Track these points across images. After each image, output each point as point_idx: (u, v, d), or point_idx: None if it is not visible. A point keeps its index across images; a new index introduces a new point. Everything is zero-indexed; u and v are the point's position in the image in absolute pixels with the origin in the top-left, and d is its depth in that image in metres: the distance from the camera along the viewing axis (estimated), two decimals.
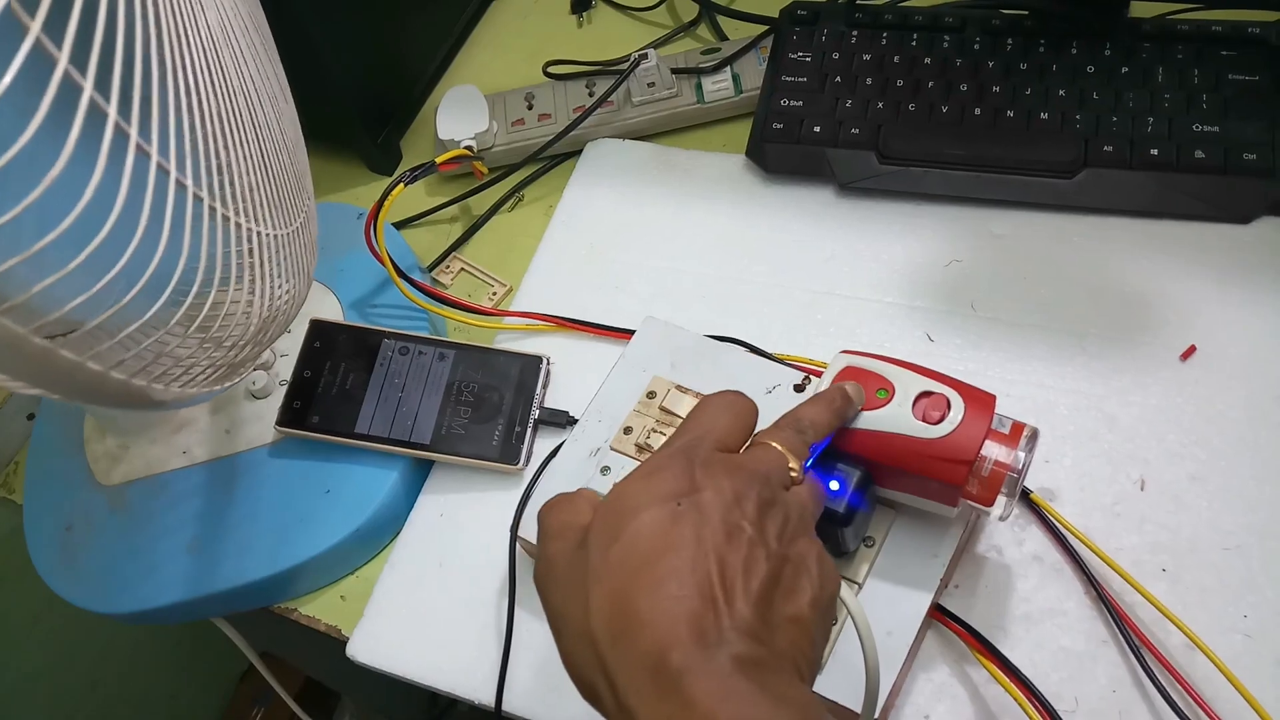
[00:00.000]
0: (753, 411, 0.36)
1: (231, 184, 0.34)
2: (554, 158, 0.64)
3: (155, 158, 0.29)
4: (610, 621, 0.29)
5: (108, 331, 0.30)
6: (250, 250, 0.37)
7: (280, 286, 0.41)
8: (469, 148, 0.61)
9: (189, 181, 0.31)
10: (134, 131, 0.28)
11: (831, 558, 0.33)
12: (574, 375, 0.53)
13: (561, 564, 0.32)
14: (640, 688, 0.28)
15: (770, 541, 0.31)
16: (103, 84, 0.26)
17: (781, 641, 0.29)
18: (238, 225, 0.35)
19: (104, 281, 0.28)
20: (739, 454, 0.34)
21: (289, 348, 0.54)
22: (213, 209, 0.33)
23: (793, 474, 0.34)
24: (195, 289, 0.33)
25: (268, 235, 0.38)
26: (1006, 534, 0.45)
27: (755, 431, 0.36)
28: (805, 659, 0.30)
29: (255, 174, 0.37)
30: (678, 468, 0.32)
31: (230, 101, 0.35)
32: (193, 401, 0.39)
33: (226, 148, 0.34)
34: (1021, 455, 0.38)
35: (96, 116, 0.26)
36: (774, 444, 0.34)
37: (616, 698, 0.28)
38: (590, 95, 0.63)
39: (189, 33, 0.31)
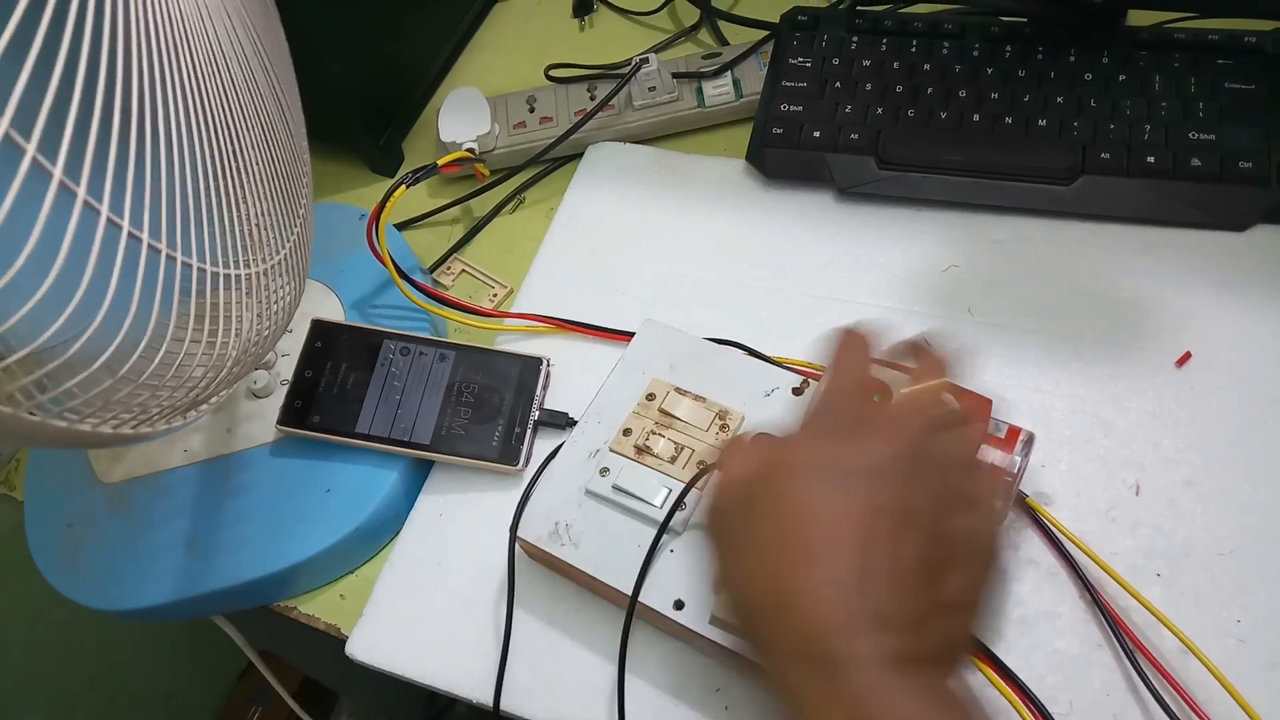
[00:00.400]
0: (865, 343, 0.35)
1: (195, 226, 0.33)
2: (555, 160, 0.64)
3: (105, 214, 0.28)
4: (764, 594, 0.29)
5: (50, 382, 0.29)
6: (213, 292, 0.35)
7: (256, 324, 0.39)
8: (471, 150, 0.61)
9: (144, 233, 0.30)
10: (82, 190, 0.27)
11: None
12: (574, 377, 0.53)
13: (725, 517, 0.32)
14: (796, 666, 0.27)
15: (919, 514, 0.29)
16: (52, 137, 0.25)
17: (939, 630, 0.29)
18: (200, 271, 0.34)
19: (40, 341, 0.27)
20: (885, 404, 0.33)
21: (290, 347, 0.55)
22: (171, 258, 0.32)
23: (948, 411, 0.32)
24: (146, 339, 0.32)
25: (241, 275, 0.37)
26: (1002, 538, 0.45)
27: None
28: (964, 645, 0.30)
29: (228, 214, 0.35)
30: (824, 433, 0.31)
31: (209, 140, 0.33)
32: (163, 433, 0.37)
33: (196, 191, 0.33)
34: (1017, 459, 0.39)
35: (40, 173, 0.25)
36: (918, 388, 0.33)
37: (775, 668, 0.28)
38: (592, 98, 0.63)
39: (165, 70, 0.30)
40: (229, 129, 0.36)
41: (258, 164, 0.38)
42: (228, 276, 0.36)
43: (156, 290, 0.31)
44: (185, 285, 0.33)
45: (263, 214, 0.39)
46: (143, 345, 0.31)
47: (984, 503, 0.32)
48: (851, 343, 0.36)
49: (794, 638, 0.28)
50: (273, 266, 0.41)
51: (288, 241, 0.42)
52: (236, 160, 0.36)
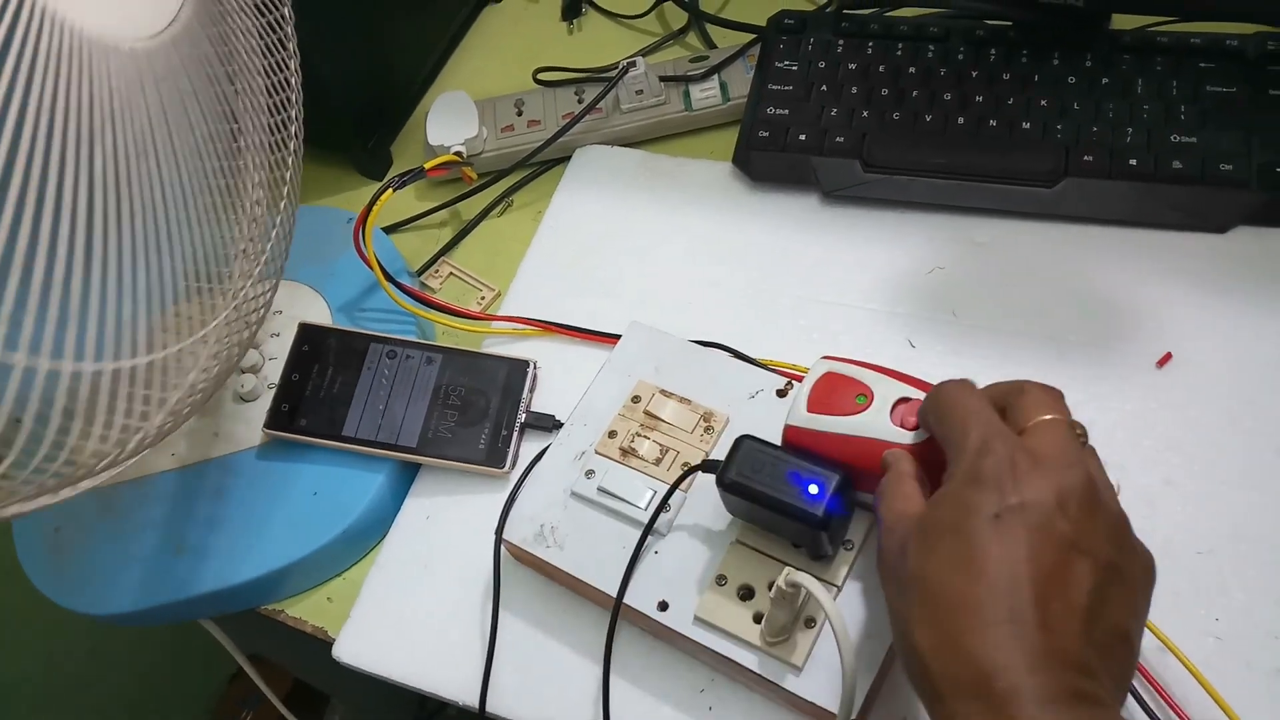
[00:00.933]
0: (972, 383, 0.36)
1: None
2: (543, 164, 0.64)
3: None
4: (932, 640, 0.29)
5: None
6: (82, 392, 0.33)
7: (150, 416, 0.39)
8: (459, 153, 0.62)
9: None
10: None
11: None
12: (560, 379, 0.54)
13: (891, 562, 0.33)
14: (969, 704, 0.28)
15: (1099, 545, 0.30)
16: None
17: (1108, 664, 0.29)
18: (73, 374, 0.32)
19: None
20: (1033, 439, 0.32)
21: (278, 351, 0.55)
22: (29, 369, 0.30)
23: (1080, 434, 0.33)
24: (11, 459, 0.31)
25: (119, 370, 0.35)
26: None
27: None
28: (1129, 676, 0.30)
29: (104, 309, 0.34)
30: (990, 473, 0.31)
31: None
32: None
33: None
34: None
35: None
36: (1051, 415, 0.33)
37: (947, 706, 0.28)
38: (579, 102, 0.64)
39: None
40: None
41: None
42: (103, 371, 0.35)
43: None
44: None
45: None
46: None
47: (1133, 532, 0.32)
48: (964, 388, 0.36)
49: (969, 676, 0.28)
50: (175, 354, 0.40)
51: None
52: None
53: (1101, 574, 0.30)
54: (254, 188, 0.48)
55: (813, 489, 0.39)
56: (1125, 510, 0.33)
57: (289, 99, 0.48)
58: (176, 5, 0.38)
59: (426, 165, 0.57)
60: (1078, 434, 0.33)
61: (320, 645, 0.51)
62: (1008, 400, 0.35)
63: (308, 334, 0.54)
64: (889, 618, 0.33)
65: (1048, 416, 0.33)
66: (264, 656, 0.78)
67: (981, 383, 0.42)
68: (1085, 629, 0.28)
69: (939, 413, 0.36)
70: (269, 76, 0.46)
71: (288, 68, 0.48)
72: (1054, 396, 0.34)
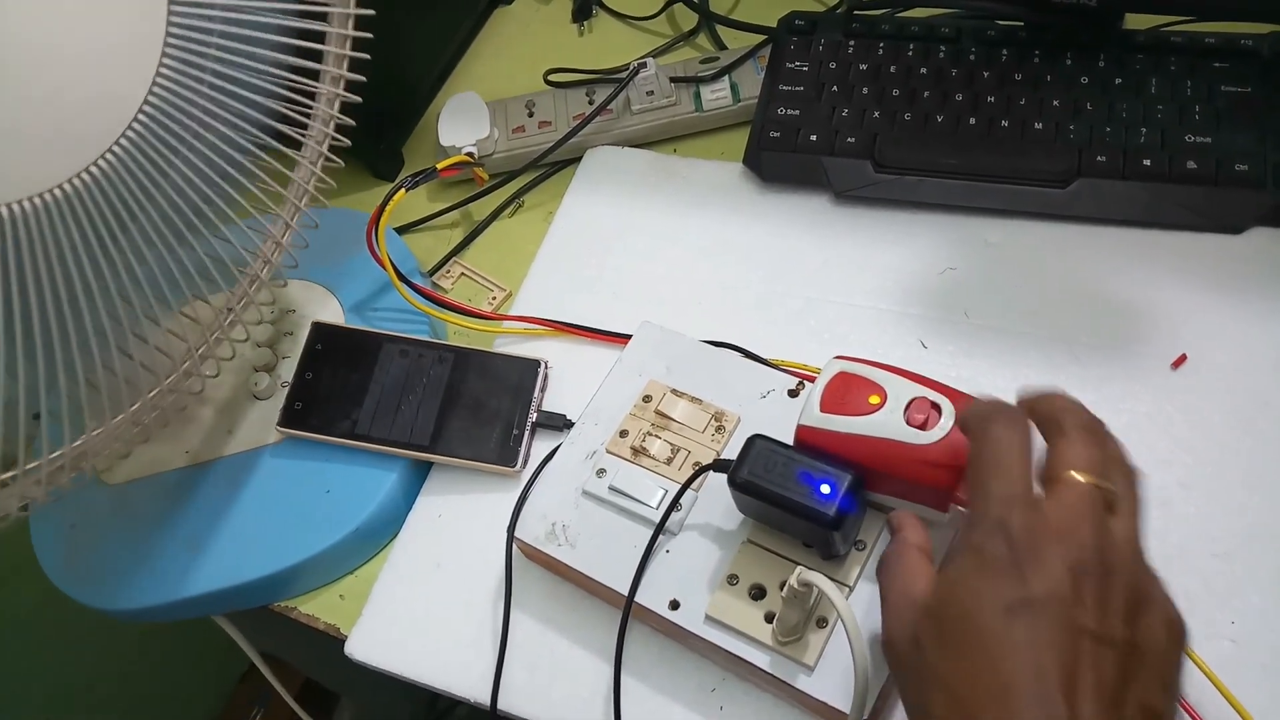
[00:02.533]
0: (1024, 421, 0.33)
1: None
2: (554, 165, 0.65)
3: None
4: None
5: None
6: None
7: None
8: (470, 154, 0.62)
9: None
10: None
11: (1172, 613, 0.30)
12: (571, 379, 0.54)
13: (900, 648, 0.32)
14: None
15: (1116, 629, 0.29)
16: None
17: None
18: None
19: None
20: (1054, 503, 0.31)
21: (291, 350, 0.55)
22: None
23: (1108, 492, 0.31)
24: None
25: None
26: None
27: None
28: None
29: None
30: (1001, 556, 0.30)
31: None
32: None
33: None
34: None
35: None
36: (1078, 476, 0.31)
37: None
38: (590, 103, 0.64)
39: None
40: None
41: None
42: None
43: None
44: None
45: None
46: None
47: (1161, 587, 0.31)
48: (1006, 423, 0.33)
49: None
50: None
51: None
52: None
53: (1125, 659, 0.29)
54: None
55: (825, 489, 0.39)
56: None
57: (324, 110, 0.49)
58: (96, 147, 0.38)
59: (439, 165, 0.57)
60: (1106, 492, 0.31)
61: (331, 643, 0.51)
62: (1047, 431, 0.33)
63: (321, 333, 0.54)
64: (902, 702, 0.32)
65: (1077, 476, 0.31)
66: (274, 655, 0.78)
67: (989, 385, 0.42)
68: (1119, 713, 0.28)
69: (974, 442, 0.34)
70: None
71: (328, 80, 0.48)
72: (1090, 446, 0.32)
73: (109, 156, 0.38)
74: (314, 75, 0.47)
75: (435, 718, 1.12)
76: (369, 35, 0.47)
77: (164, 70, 0.39)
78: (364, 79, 0.48)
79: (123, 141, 0.39)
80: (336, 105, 0.48)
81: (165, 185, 0.41)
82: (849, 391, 0.41)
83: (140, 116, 0.39)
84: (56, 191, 0.37)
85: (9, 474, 0.42)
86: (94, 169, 0.38)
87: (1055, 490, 0.31)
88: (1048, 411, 0.34)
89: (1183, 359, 0.48)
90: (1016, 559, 0.30)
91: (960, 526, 0.33)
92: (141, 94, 0.39)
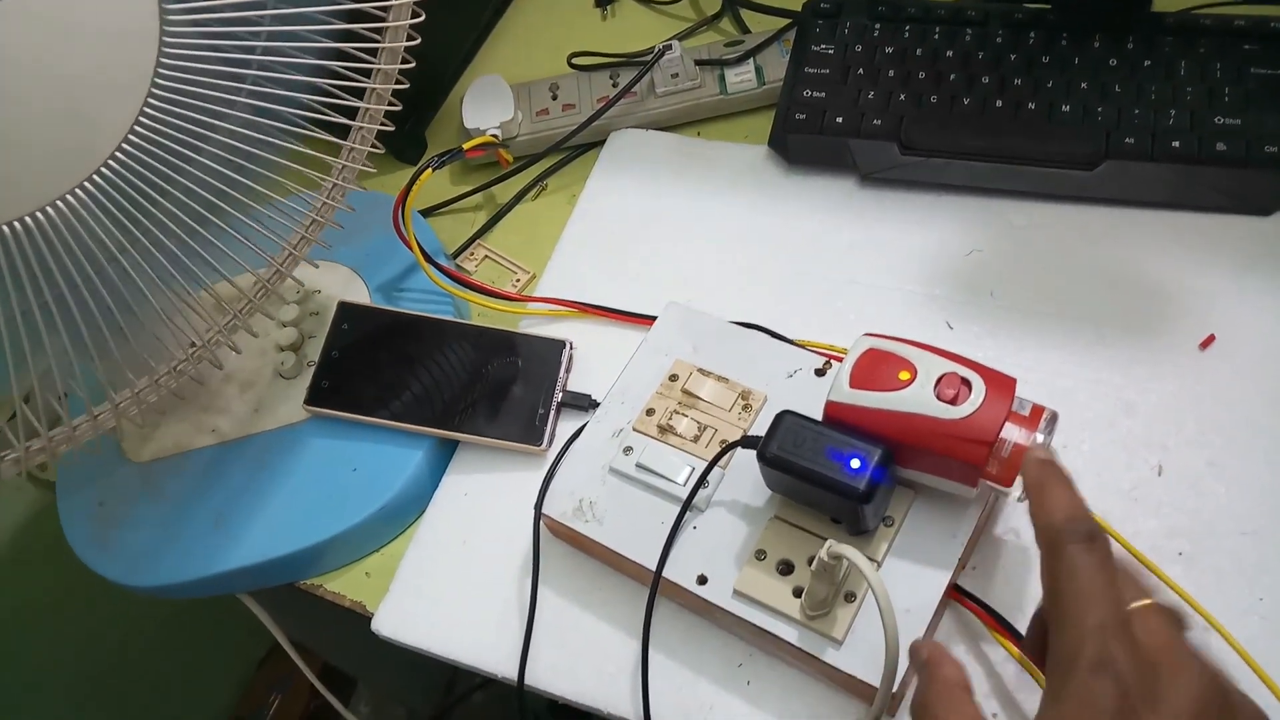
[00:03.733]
0: (1102, 537, 0.32)
1: None
2: (577, 148, 0.65)
3: None
4: None
5: None
6: None
7: None
8: (494, 136, 0.62)
9: None
10: None
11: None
12: (596, 360, 0.54)
13: None
14: None
15: None
16: None
17: None
18: None
19: None
20: (1143, 638, 0.29)
21: (317, 330, 0.56)
22: None
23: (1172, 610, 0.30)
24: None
25: None
26: (1024, 517, 0.45)
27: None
28: None
29: None
30: (1112, 702, 0.28)
31: None
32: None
33: None
34: (1041, 437, 0.39)
35: None
36: (1144, 601, 0.30)
37: None
38: (614, 86, 0.64)
39: None
40: None
41: None
42: None
43: None
44: None
45: None
46: None
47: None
48: (1089, 546, 0.31)
49: None
50: None
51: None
52: None
53: None
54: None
55: (854, 463, 0.39)
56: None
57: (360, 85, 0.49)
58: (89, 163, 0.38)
59: (465, 146, 0.57)
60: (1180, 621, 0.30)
61: (354, 624, 0.51)
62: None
63: (347, 312, 0.55)
64: None
65: (1144, 602, 0.30)
66: (294, 640, 0.78)
67: (1014, 365, 0.42)
68: None
69: (1049, 563, 0.32)
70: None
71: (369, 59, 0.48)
72: (1173, 627, 0.30)
73: (125, 146, 0.39)
74: (344, 56, 0.47)
75: (453, 703, 1.13)
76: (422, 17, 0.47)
77: (164, 62, 0.39)
78: (413, 64, 0.47)
79: (138, 129, 0.39)
80: (391, 85, 0.48)
81: (191, 168, 0.41)
82: (878, 367, 0.41)
83: (150, 104, 0.39)
84: (69, 198, 0.38)
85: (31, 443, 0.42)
86: (111, 162, 0.39)
87: (1136, 622, 0.29)
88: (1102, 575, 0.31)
89: (1211, 340, 0.48)
90: (1132, 704, 0.27)
91: (1047, 672, 0.31)
92: (145, 88, 0.39)
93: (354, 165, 0.49)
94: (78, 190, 0.39)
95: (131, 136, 0.39)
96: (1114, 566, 0.31)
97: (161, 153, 0.40)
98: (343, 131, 0.48)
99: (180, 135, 0.40)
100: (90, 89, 0.38)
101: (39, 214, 0.38)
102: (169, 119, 0.40)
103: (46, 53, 0.37)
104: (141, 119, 0.39)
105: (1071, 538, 0.32)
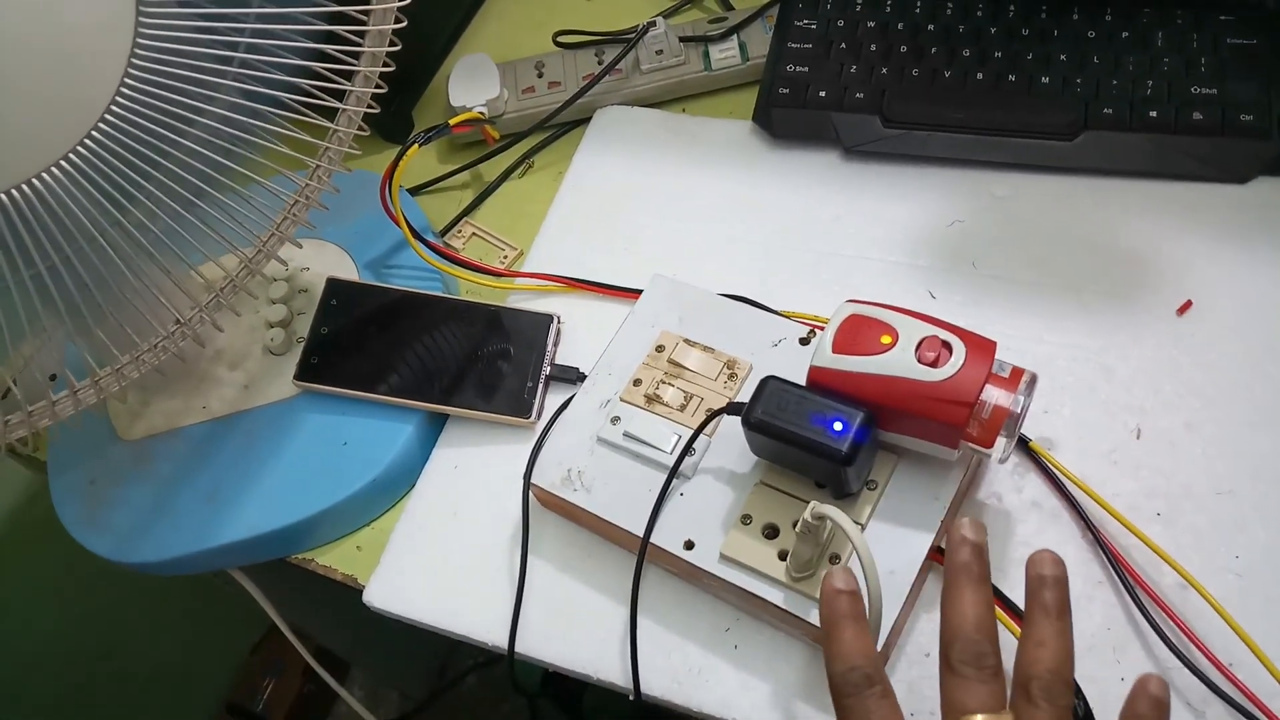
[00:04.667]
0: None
1: None
2: (563, 125, 0.65)
3: None
4: None
5: None
6: None
7: None
8: (481, 112, 0.62)
9: None
10: None
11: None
12: (583, 334, 0.54)
13: None
14: None
15: None
16: None
17: None
18: None
19: None
20: None
21: (305, 306, 0.56)
22: None
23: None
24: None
25: None
26: (1006, 481, 0.46)
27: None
28: None
29: None
30: None
31: None
32: None
33: None
34: (1021, 399, 0.40)
35: None
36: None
37: None
38: (599, 63, 0.64)
39: None
40: None
41: None
42: None
43: None
44: None
45: None
46: None
47: None
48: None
49: None
50: None
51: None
52: None
53: None
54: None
55: (837, 426, 0.40)
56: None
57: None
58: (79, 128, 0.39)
59: (451, 121, 0.57)
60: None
61: (346, 602, 0.51)
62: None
63: (336, 289, 0.55)
64: None
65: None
66: (288, 621, 0.79)
67: (997, 333, 0.42)
68: None
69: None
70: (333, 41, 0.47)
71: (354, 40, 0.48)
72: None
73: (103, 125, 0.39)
74: (333, 38, 0.47)
75: (445, 686, 1.14)
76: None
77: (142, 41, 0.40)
78: (399, 46, 0.48)
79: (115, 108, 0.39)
80: (378, 69, 0.48)
81: (175, 150, 0.41)
82: (861, 332, 0.41)
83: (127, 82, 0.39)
84: (56, 170, 0.38)
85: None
86: (88, 142, 0.39)
87: None
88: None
89: (1188, 305, 0.49)
90: None
91: None
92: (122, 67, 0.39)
93: (339, 148, 0.49)
94: (54, 169, 0.39)
95: (109, 116, 0.39)
96: (892, 706, 0.34)
97: (142, 134, 0.40)
98: (329, 114, 0.48)
99: (163, 116, 0.40)
100: (69, 62, 0.38)
101: (16, 190, 0.38)
102: (149, 99, 0.40)
103: (24, 28, 0.37)
104: (119, 99, 0.39)
105: (848, 689, 0.34)
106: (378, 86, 0.49)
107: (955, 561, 0.36)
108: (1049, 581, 0.35)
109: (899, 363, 0.40)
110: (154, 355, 0.47)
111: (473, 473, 0.52)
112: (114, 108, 0.39)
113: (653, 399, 0.47)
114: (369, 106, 0.49)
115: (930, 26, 0.59)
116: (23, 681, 0.83)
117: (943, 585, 0.36)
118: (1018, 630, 0.40)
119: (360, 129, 0.50)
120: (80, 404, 0.45)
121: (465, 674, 1.16)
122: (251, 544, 0.52)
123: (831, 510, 0.37)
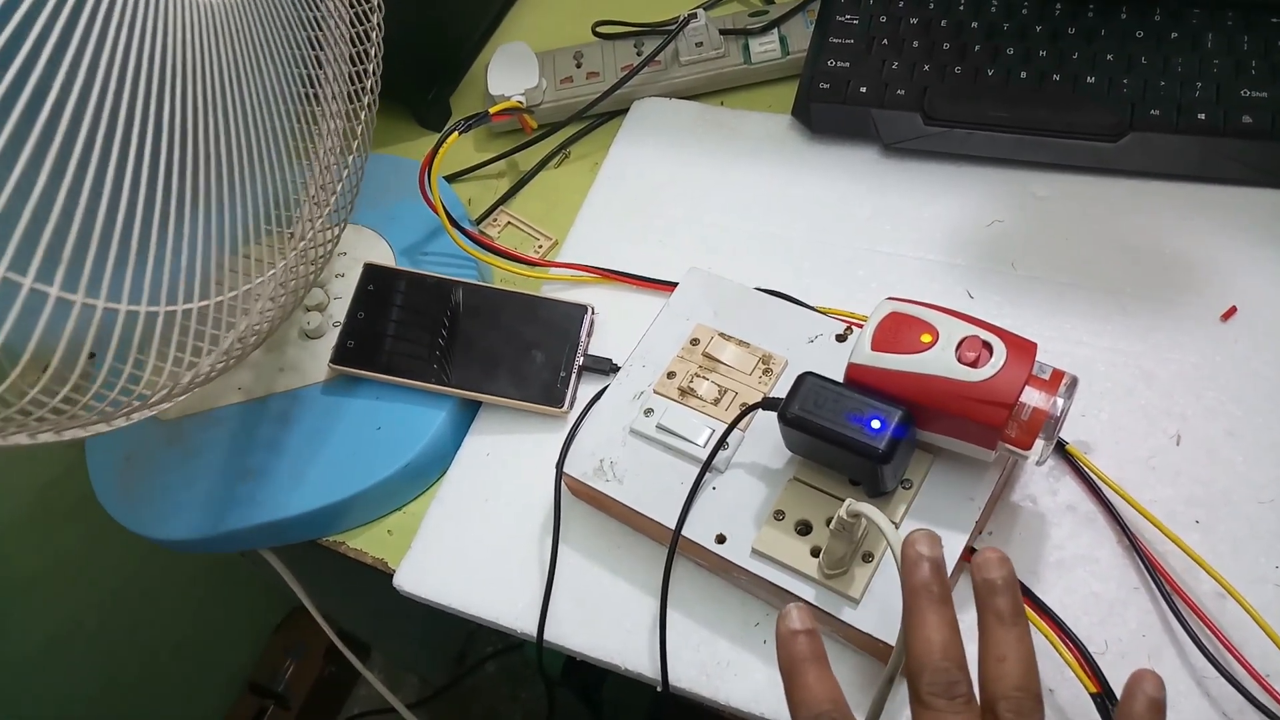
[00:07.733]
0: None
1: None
2: (601, 116, 0.65)
3: None
4: None
5: None
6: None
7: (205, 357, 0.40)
8: (519, 102, 0.62)
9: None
10: None
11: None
12: (617, 325, 0.54)
13: None
14: None
15: None
16: None
17: None
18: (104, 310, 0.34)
19: None
20: None
21: (342, 291, 0.56)
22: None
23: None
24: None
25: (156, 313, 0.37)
26: (1041, 484, 0.45)
27: None
28: None
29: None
30: None
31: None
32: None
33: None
34: (1060, 401, 0.39)
35: None
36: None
37: None
38: (638, 54, 0.64)
39: None
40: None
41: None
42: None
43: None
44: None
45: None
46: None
47: None
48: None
49: None
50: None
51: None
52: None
53: None
54: (328, 135, 0.49)
55: (875, 424, 0.39)
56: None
57: (368, 52, 0.49)
58: None
59: (491, 110, 0.57)
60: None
61: (372, 586, 0.52)
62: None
63: (373, 274, 0.55)
64: None
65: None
66: (307, 609, 0.79)
67: (1035, 334, 0.42)
68: None
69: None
70: (353, 26, 0.47)
71: (369, 21, 0.49)
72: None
73: None
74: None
75: (464, 673, 1.14)
76: None
77: None
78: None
79: None
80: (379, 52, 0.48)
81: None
82: (900, 330, 0.41)
83: None
84: None
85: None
86: None
87: None
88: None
89: (1233, 311, 0.48)
90: None
91: None
92: None
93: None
94: None
95: None
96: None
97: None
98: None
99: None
100: None
101: None
102: None
103: None
104: None
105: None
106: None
107: (914, 582, 0.33)
108: (999, 586, 0.33)
109: (939, 362, 0.40)
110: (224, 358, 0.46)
111: (504, 461, 0.52)
112: None
113: (686, 392, 0.47)
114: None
115: (974, 24, 0.58)
116: (54, 651, 0.84)
117: (902, 608, 0.34)
118: (1054, 636, 0.39)
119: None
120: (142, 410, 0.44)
121: (484, 660, 1.17)
122: (284, 525, 0.52)
123: (867, 508, 0.37)
